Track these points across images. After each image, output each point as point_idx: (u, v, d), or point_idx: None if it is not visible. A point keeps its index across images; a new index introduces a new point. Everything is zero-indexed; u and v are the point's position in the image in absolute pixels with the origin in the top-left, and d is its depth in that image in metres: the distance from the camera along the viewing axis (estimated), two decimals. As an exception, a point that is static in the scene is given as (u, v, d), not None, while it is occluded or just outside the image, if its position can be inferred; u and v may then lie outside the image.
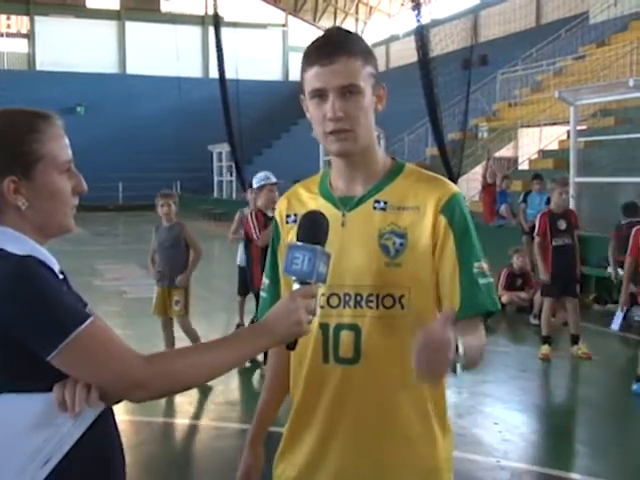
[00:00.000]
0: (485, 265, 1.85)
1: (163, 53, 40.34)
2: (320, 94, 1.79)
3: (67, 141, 1.64)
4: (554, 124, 19.20)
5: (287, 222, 1.97)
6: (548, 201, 13.03)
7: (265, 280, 2.05)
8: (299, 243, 1.65)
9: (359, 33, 1.84)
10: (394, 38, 41.25)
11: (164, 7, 42.53)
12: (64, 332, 1.45)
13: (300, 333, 1.64)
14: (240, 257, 8.37)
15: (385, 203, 1.85)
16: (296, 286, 1.64)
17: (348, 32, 1.86)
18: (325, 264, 1.64)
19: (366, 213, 1.85)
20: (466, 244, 1.83)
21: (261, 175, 6.99)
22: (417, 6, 14.95)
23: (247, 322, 8.61)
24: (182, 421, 5.92)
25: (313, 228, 1.67)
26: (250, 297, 8.33)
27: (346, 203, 1.88)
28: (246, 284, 7.90)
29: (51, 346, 1.45)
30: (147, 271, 6.97)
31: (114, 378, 1.49)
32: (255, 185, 7.03)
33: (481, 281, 1.82)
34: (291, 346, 1.67)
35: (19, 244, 1.54)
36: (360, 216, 1.86)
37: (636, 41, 19.28)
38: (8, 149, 1.56)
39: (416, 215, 1.83)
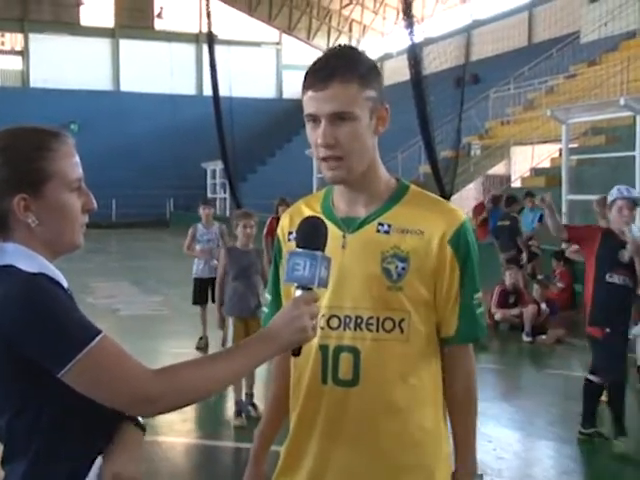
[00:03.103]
0: (481, 294, 1.91)
1: (157, 71, 40.43)
2: (313, 119, 1.78)
3: (77, 159, 1.65)
4: (546, 142, 19.29)
5: (289, 239, 1.96)
6: (541, 218, 13.10)
7: (267, 296, 2.05)
8: (299, 250, 1.66)
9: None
10: (388, 56, 41.45)
11: (158, 25, 42.64)
12: (77, 347, 1.45)
13: (305, 339, 1.63)
14: (196, 269, 8.84)
15: (389, 226, 1.84)
16: (298, 292, 1.64)
17: (349, 51, 1.82)
18: (326, 269, 1.65)
19: (369, 236, 1.84)
20: (469, 275, 1.85)
21: None
22: (410, 25, 15.02)
23: (209, 333, 8.74)
24: (175, 439, 5.88)
25: (312, 233, 1.67)
26: (211, 307, 8.63)
27: (349, 224, 1.86)
28: (202, 294, 8.71)
29: (63, 362, 1.44)
30: (218, 300, 6.35)
31: (127, 393, 1.48)
32: None
33: (477, 311, 1.88)
34: (296, 352, 1.67)
35: (30, 261, 1.54)
36: (362, 238, 1.84)
37: (626, 60, 19.42)
38: (19, 167, 1.56)
39: (420, 240, 1.82)
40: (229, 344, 6.19)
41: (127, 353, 1.51)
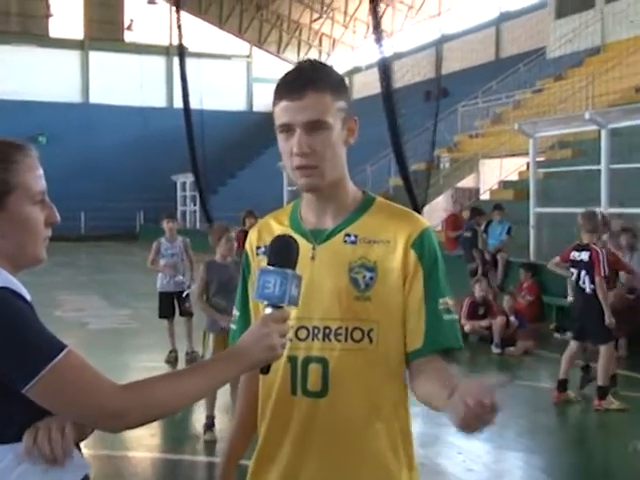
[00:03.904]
0: (450, 301, 1.87)
1: (127, 83, 40.25)
2: (287, 129, 1.79)
3: (41, 172, 1.63)
4: (514, 155, 19.49)
5: (257, 254, 1.96)
6: (509, 231, 13.23)
7: (235, 312, 2.04)
8: (270, 267, 1.65)
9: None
10: (357, 70, 41.70)
11: (128, 37, 42.48)
12: (42, 362, 1.42)
13: (274, 357, 1.63)
14: (160, 283, 8.89)
15: (356, 237, 1.85)
16: (268, 310, 1.64)
17: (320, 65, 1.86)
18: (297, 287, 1.64)
19: (336, 246, 1.85)
20: (434, 280, 1.84)
21: None
22: (380, 39, 15.13)
23: (178, 346, 8.76)
24: (144, 454, 5.83)
25: (283, 251, 1.67)
26: (178, 320, 8.89)
27: (317, 236, 1.87)
28: (168, 308, 8.80)
29: (29, 377, 1.42)
30: (207, 314, 6.11)
31: (93, 408, 1.46)
32: None
33: (445, 317, 1.84)
34: (265, 370, 1.67)
35: None
36: (330, 249, 1.85)
37: (591, 76, 19.72)
38: None
39: (386, 249, 1.83)
40: None
41: (93, 368, 1.49)
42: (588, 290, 7.02)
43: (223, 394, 5.86)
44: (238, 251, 9.60)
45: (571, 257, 7.24)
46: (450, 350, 1.86)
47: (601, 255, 6.94)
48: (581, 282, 7.09)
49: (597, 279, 6.91)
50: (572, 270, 7.22)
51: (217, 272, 6.10)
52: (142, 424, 1.54)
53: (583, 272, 7.06)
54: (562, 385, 7.14)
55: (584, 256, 7.04)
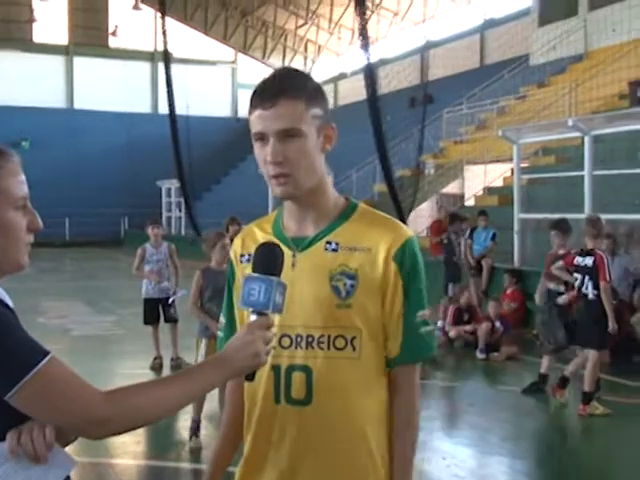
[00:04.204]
0: (428, 312, 1.91)
1: (112, 88, 40.10)
2: (262, 137, 1.79)
3: (23, 177, 1.62)
4: (498, 161, 19.59)
5: (241, 261, 1.96)
6: (494, 237, 13.27)
7: (221, 319, 2.04)
8: (255, 275, 1.65)
9: (308, 71, 1.84)
10: (342, 76, 41.78)
11: (113, 43, 42.37)
12: (24, 369, 1.41)
13: (258, 364, 1.63)
14: (145, 289, 8.87)
15: (337, 244, 1.85)
16: (253, 317, 1.64)
17: (295, 72, 1.85)
18: (281, 294, 1.65)
19: (317, 254, 1.85)
20: (413, 293, 1.86)
21: None
22: (365, 45, 15.18)
23: (163, 352, 8.74)
24: (128, 461, 5.80)
25: (268, 259, 1.68)
26: (163, 327, 8.87)
27: (298, 244, 1.87)
28: (153, 314, 8.80)
29: (11, 383, 1.41)
30: (199, 320, 6.11)
31: (76, 415, 1.46)
32: None
33: (422, 329, 1.88)
34: (250, 377, 1.67)
35: None
36: (311, 257, 1.85)
37: (574, 83, 19.87)
38: None
39: (367, 257, 1.83)
40: None
41: (76, 374, 1.49)
42: (591, 296, 6.97)
43: (210, 400, 5.84)
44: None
45: (575, 262, 7.19)
46: (426, 358, 1.94)
47: (605, 260, 6.89)
48: (584, 288, 7.04)
49: (602, 284, 6.85)
50: (576, 275, 7.18)
51: (212, 279, 6.08)
52: (125, 431, 1.53)
53: (587, 277, 7.01)
54: (589, 397, 6.98)
55: (588, 261, 7.00)
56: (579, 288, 7.14)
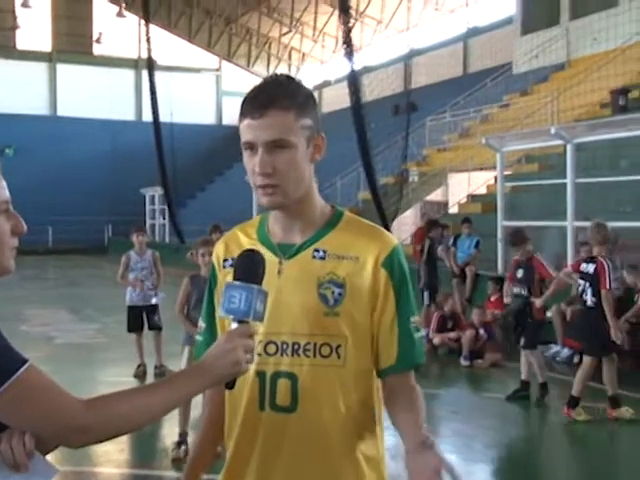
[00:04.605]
0: (419, 319, 1.91)
1: (95, 96, 39.99)
2: (251, 147, 1.78)
3: (4, 183, 1.61)
4: (482, 169, 19.69)
5: (224, 266, 1.95)
6: (477, 244, 13.32)
7: (201, 324, 2.02)
8: (236, 282, 1.64)
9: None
10: (326, 84, 41.89)
11: (97, 50, 42.28)
12: (3, 376, 1.40)
13: (238, 372, 1.62)
14: (129, 297, 8.84)
15: (325, 252, 1.84)
16: (234, 325, 1.63)
17: (286, 80, 1.82)
18: (262, 302, 1.64)
19: (305, 262, 1.84)
20: (404, 298, 1.86)
21: None
22: (349, 53, 15.23)
23: (147, 360, 8.70)
24: (112, 470, 5.76)
25: (250, 267, 1.66)
26: (147, 334, 8.83)
27: (285, 251, 1.86)
28: (137, 322, 8.77)
29: None
30: (185, 328, 6.07)
31: (55, 423, 1.44)
32: None
33: (416, 335, 1.88)
34: (230, 385, 1.65)
35: None
36: (298, 264, 1.85)
37: (556, 91, 20.03)
38: None
39: (355, 265, 1.83)
40: None
41: (55, 383, 1.48)
42: (589, 303, 6.93)
43: (195, 408, 5.82)
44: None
45: (580, 269, 7.16)
46: (418, 366, 1.92)
47: (607, 267, 6.79)
48: (584, 295, 7.00)
49: (602, 292, 6.77)
50: (579, 282, 7.14)
51: (200, 286, 6.04)
52: (104, 440, 1.52)
53: (587, 284, 6.97)
54: (615, 402, 6.96)
55: (590, 268, 6.95)
56: (580, 295, 7.11)
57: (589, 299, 6.94)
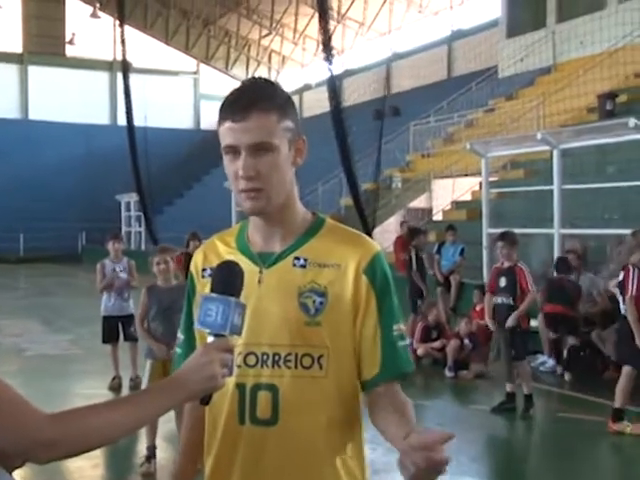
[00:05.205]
0: (403, 327, 1.90)
1: (68, 99, 39.80)
2: (232, 151, 1.78)
3: None
4: (466, 175, 19.79)
5: (203, 276, 1.94)
6: (462, 252, 13.37)
7: (180, 335, 2.02)
8: (213, 294, 1.63)
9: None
10: (307, 87, 41.97)
11: (70, 52, 42.07)
12: None
13: (214, 388, 1.60)
14: (104, 307, 8.77)
15: (305, 260, 1.84)
16: (210, 339, 1.62)
17: (266, 83, 1.84)
18: (240, 315, 1.62)
19: (285, 270, 1.84)
20: (387, 306, 1.85)
21: None
22: (329, 57, 15.26)
23: (122, 372, 8.66)
24: (85, 486, 5.71)
25: (227, 278, 1.65)
26: (123, 345, 8.78)
27: (265, 259, 1.86)
28: (112, 332, 8.69)
29: None
30: (146, 341, 6.05)
31: (21, 436, 1.42)
32: None
33: (400, 343, 1.86)
34: (205, 401, 1.63)
35: None
36: (279, 273, 1.84)
37: (542, 96, 20.16)
38: None
39: (337, 273, 1.83)
40: (143, 388, 5.99)
41: (20, 396, 1.46)
42: (622, 311, 6.93)
43: (168, 420, 5.78)
44: (180, 274, 9.53)
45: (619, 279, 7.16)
46: (405, 375, 1.88)
47: (631, 273, 6.77)
48: (621, 303, 7.00)
49: (626, 298, 6.77)
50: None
51: (158, 297, 6.03)
52: (73, 455, 1.50)
53: (619, 292, 7.01)
54: (619, 415, 6.88)
55: (621, 276, 6.98)
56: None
57: (622, 307, 6.95)
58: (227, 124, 1.77)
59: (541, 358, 9.68)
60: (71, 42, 41.97)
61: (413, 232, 12.35)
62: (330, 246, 1.86)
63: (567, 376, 9.04)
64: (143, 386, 6.01)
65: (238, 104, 1.77)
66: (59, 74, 40.82)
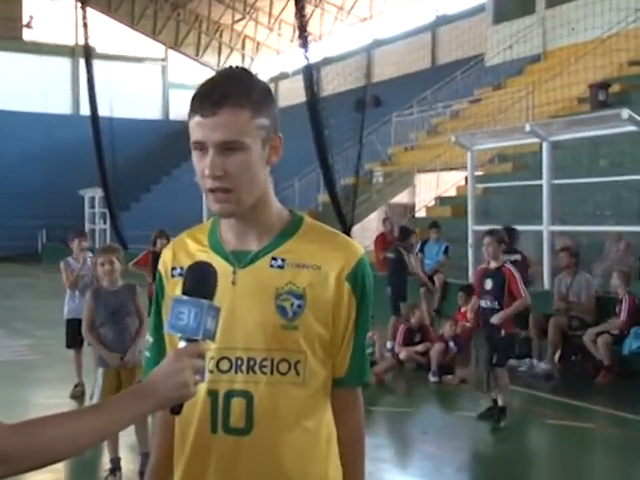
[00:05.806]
0: (371, 333, 2.02)
1: (27, 87, 39.39)
2: (201, 147, 1.76)
3: None
4: (451, 169, 19.84)
5: (172, 275, 1.93)
6: (446, 250, 13.41)
7: (149, 338, 2.00)
8: (184, 297, 1.62)
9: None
10: (283, 76, 41.89)
11: (27, 36, 41.68)
12: None
13: (186, 396, 1.59)
14: (68, 309, 8.65)
15: (283, 261, 1.83)
16: (182, 344, 1.60)
17: (241, 75, 1.79)
18: (213, 319, 1.61)
19: (261, 271, 1.83)
20: (363, 314, 1.89)
21: None
22: (305, 43, 15.21)
23: (86, 379, 8.54)
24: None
25: (200, 280, 1.64)
26: (87, 350, 8.46)
27: (240, 259, 1.85)
28: (76, 336, 8.20)
29: None
30: (96, 349, 5.93)
31: None
32: None
33: (367, 352, 1.95)
34: (176, 410, 1.62)
35: None
36: (254, 274, 1.83)
37: (531, 85, 20.26)
38: None
39: (317, 275, 1.83)
40: (95, 400, 5.87)
41: None
42: None
43: (132, 432, 5.76)
44: (145, 274, 9.43)
45: None
46: (366, 384, 1.99)
47: None
48: None
49: None
50: None
51: (104, 300, 5.96)
52: (32, 469, 1.48)
53: None
54: None
55: None
56: None
57: None
58: (196, 118, 1.75)
59: (530, 362, 9.75)
60: (29, 25, 41.55)
61: (405, 232, 12.37)
62: (309, 247, 1.86)
63: (557, 381, 9.12)
64: (95, 398, 5.85)
65: (209, 98, 1.73)
66: (16, 60, 40.39)
